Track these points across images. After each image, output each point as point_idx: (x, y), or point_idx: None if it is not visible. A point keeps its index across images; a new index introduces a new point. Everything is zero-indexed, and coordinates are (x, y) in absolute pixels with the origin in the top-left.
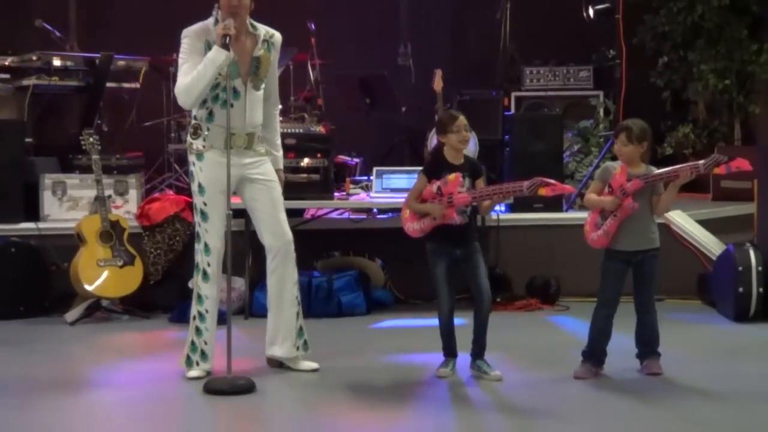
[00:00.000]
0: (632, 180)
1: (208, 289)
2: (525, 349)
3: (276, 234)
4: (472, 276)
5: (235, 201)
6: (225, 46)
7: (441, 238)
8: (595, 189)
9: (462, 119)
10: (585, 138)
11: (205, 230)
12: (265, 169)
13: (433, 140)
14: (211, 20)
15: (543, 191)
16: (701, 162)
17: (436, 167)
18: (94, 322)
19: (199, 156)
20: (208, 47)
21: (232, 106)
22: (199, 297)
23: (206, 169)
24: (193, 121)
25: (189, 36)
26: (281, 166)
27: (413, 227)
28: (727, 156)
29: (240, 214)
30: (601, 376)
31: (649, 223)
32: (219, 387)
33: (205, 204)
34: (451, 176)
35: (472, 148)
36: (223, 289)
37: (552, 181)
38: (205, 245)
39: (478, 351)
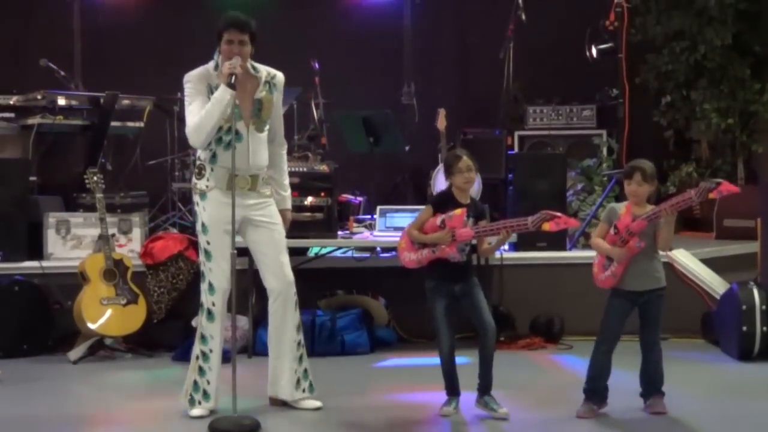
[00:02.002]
0: (636, 220)
1: (213, 328)
2: (528, 387)
3: (277, 276)
4: (474, 310)
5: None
6: (231, 86)
7: (439, 275)
8: (602, 231)
9: (465, 160)
10: (588, 177)
11: (209, 269)
12: (268, 212)
13: (437, 179)
14: (211, 64)
15: (547, 226)
16: (693, 192)
17: (443, 201)
18: (97, 361)
19: (203, 196)
20: (210, 90)
21: (235, 148)
22: (203, 337)
23: (210, 208)
24: (198, 162)
25: (191, 81)
26: (289, 206)
27: (410, 257)
28: (714, 183)
29: (244, 252)
30: (604, 414)
31: (655, 262)
32: (224, 426)
33: (208, 243)
34: (458, 210)
35: (475, 187)
36: (227, 328)
37: (557, 213)
38: (210, 284)
39: (485, 386)
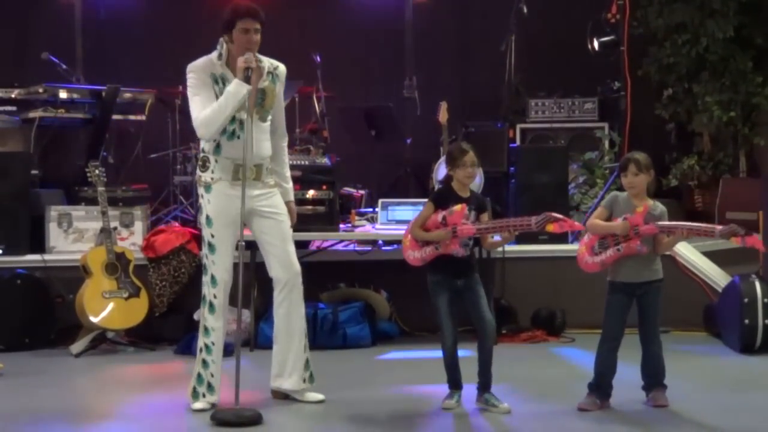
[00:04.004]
0: (649, 224)
1: (215, 321)
2: (530, 381)
3: (285, 266)
4: (474, 306)
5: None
6: (247, 80)
7: (442, 269)
8: (600, 215)
9: (470, 155)
10: (590, 170)
11: (212, 262)
12: (273, 202)
13: (438, 172)
14: (215, 54)
15: (551, 227)
16: (718, 228)
17: (443, 197)
18: (99, 354)
19: (208, 188)
20: (214, 81)
21: (238, 138)
22: (206, 329)
23: (214, 201)
24: (201, 154)
25: (195, 71)
26: (292, 198)
27: (414, 255)
28: (744, 229)
29: (246, 245)
30: (607, 408)
31: (652, 256)
32: (226, 418)
33: (212, 236)
34: (457, 207)
35: (477, 181)
36: (231, 321)
37: (561, 216)
38: (212, 277)
39: (484, 384)
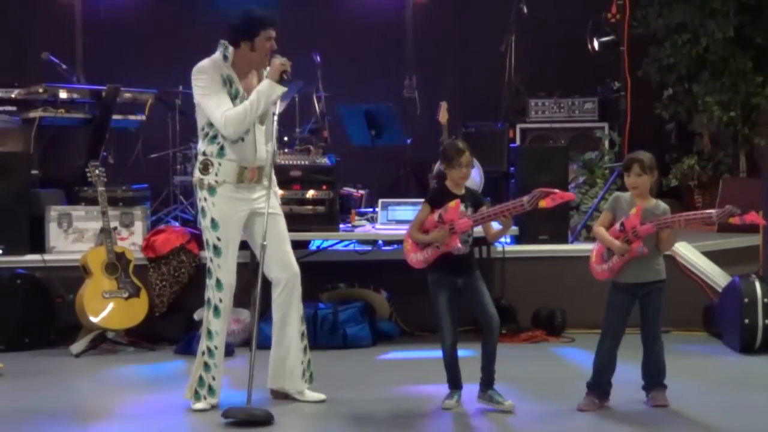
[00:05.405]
0: (645, 224)
1: (219, 324)
2: (530, 380)
3: (284, 266)
4: (478, 303)
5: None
6: (283, 82)
7: (442, 268)
8: (605, 219)
9: (466, 156)
10: (590, 170)
11: (217, 266)
12: (271, 203)
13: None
14: (218, 56)
15: (543, 203)
16: (714, 212)
17: (438, 197)
18: (99, 354)
19: (212, 191)
20: (223, 82)
21: (242, 140)
22: (209, 333)
23: (219, 203)
24: (202, 157)
25: (206, 72)
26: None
27: (416, 258)
28: (739, 210)
29: (245, 245)
30: (606, 407)
31: (655, 256)
32: (238, 416)
33: (219, 239)
34: (452, 203)
35: (477, 181)
36: (231, 321)
37: (553, 190)
38: (217, 281)
39: (488, 380)
